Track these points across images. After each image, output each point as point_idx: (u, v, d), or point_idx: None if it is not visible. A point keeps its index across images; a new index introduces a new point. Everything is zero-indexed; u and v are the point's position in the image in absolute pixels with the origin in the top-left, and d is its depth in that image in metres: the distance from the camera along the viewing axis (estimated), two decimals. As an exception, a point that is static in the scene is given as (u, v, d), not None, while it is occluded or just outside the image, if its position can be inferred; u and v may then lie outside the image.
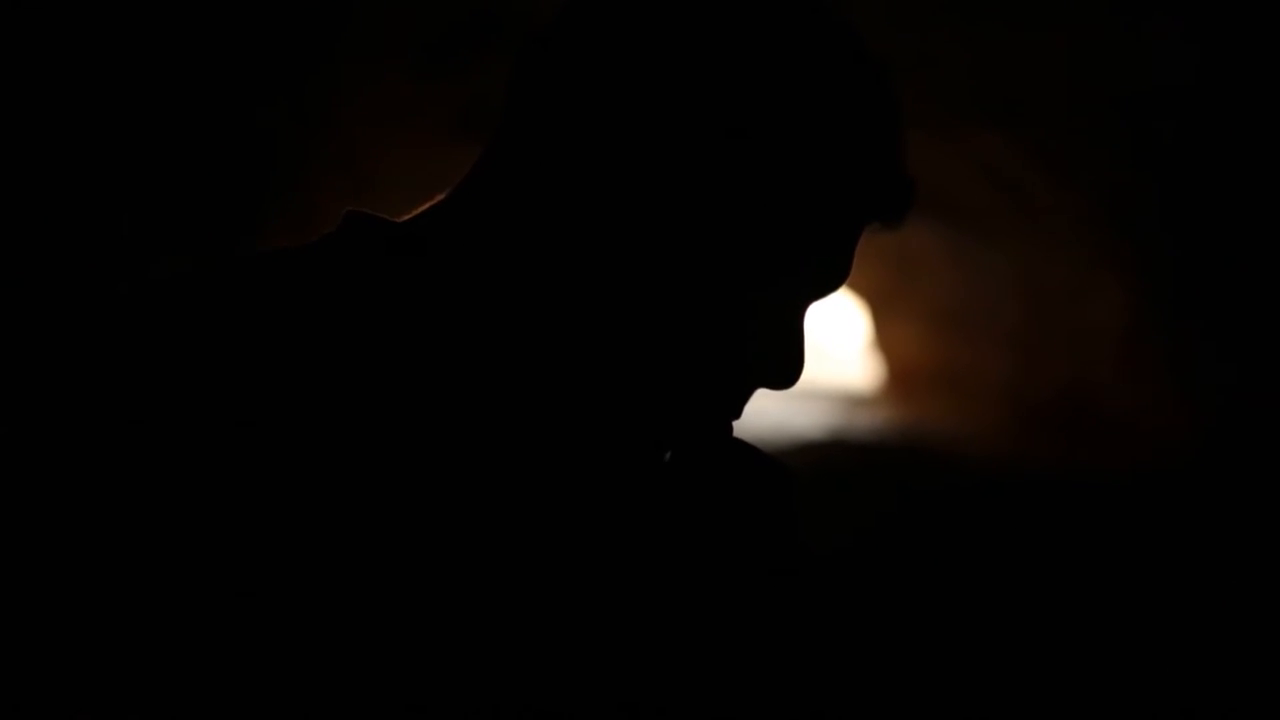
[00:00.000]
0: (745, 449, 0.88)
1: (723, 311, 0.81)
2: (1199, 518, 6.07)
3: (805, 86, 0.80)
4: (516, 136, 0.82)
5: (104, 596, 0.68)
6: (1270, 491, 5.82)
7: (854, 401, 13.36)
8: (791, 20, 0.81)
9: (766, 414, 10.11)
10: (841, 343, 19.23)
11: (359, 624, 0.72)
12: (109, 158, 4.71)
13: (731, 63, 0.78)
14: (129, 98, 4.62)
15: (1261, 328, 6.11)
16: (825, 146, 0.80)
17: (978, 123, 7.16)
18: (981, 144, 7.56)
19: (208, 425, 0.71)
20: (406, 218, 0.86)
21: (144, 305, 0.75)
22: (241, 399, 0.72)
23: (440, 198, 0.86)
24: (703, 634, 0.83)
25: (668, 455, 0.87)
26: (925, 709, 3.88)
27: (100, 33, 4.25)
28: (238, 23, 4.74)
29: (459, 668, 0.75)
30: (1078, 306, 8.34)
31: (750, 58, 0.79)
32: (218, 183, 5.47)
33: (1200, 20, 5.03)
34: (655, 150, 0.78)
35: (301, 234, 0.87)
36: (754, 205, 0.79)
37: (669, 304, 0.80)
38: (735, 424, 0.88)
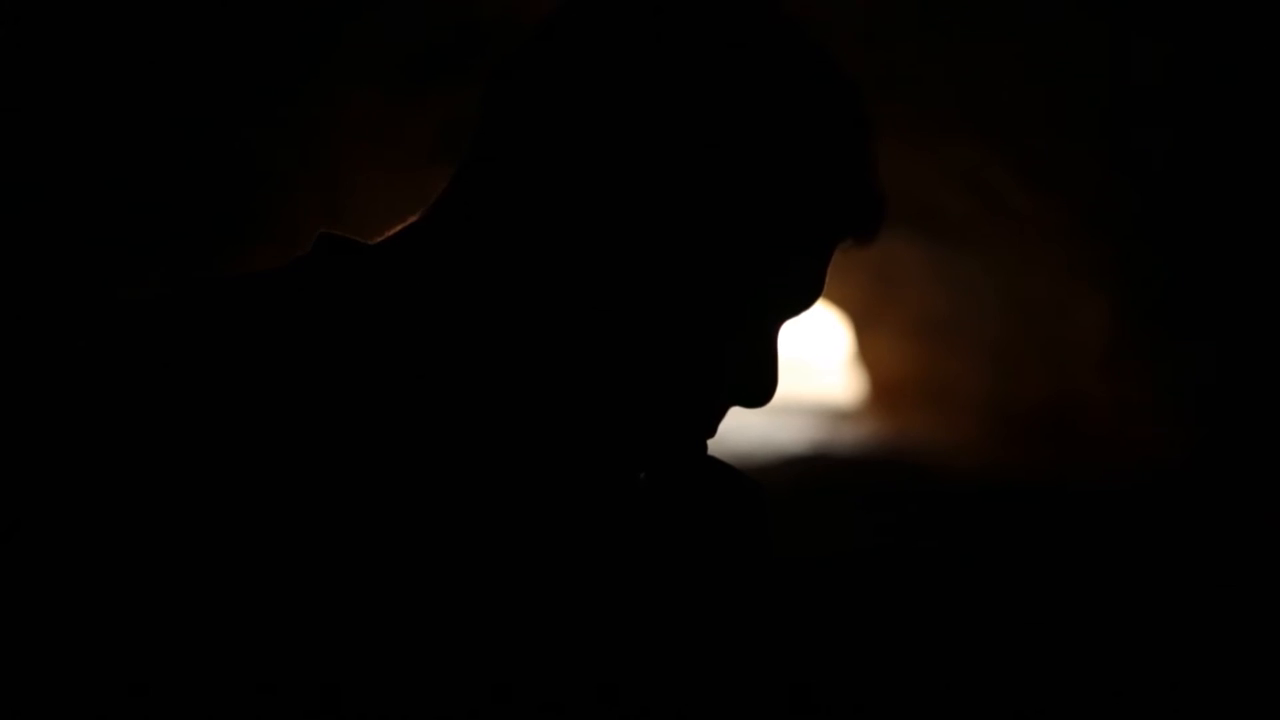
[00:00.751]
0: (720, 467, 0.88)
1: (696, 330, 0.81)
2: (1182, 527, 6.09)
3: (774, 106, 0.80)
4: (488, 158, 0.82)
5: (92, 608, 0.68)
6: (1253, 500, 5.84)
7: (837, 415, 13.39)
8: (759, 41, 0.81)
9: (749, 429, 10.12)
10: (824, 356, 19.27)
11: (332, 645, 0.72)
12: (96, 172, 4.71)
13: (700, 83, 0.79)
14: (116, 116, 4.62)
15: (1243, 336, 6.13)
16: (795, 165, 0.81)
17: (958, 134, 7.19)
18: (962, 155, 7.59)
19: (184, 444, 0.71)
20: (379, 239, 0.86)
21: (109, 334, 0.76)
22: (214, 421, 0.72)
23: (413, 219, 0.86)
24: (676, 649, 0.83)
25: (642, 474, 0.87)
26: (911, 722, 3.88)
27: (88, 51, 4.25)
28: (225, 41, 4.74)
29: (436, 680, 0.75)
30: (1060, 317, 8.36)
31: (718, 78, 0.79)
32: (201, 200, 5.47)
33: (1180, 28, 5.05)
34: (626, 169, 0.78)
35: (284, 252, 0.87)
36: (724, 225, 0.80)
37: (642, 323, 0.80)
38: (715, 438, 0.88)
